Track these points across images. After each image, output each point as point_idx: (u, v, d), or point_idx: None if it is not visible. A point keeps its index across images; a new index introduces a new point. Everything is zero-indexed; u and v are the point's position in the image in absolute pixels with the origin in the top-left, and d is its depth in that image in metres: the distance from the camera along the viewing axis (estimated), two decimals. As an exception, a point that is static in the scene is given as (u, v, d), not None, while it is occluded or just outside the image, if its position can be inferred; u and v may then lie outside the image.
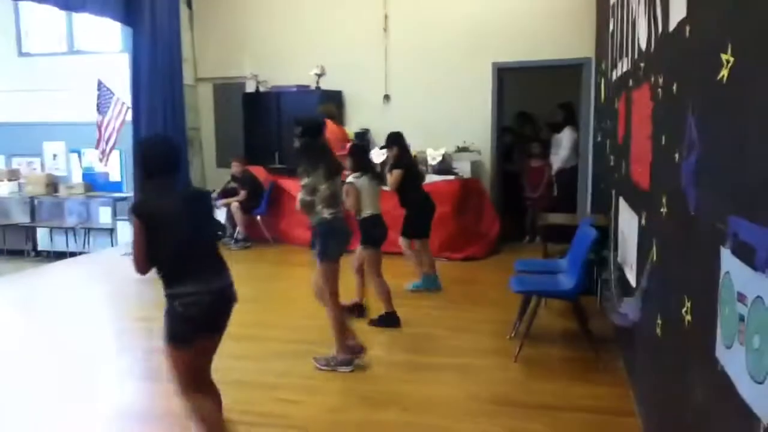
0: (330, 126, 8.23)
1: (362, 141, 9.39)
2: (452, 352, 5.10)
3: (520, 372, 4.72)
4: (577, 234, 5.30)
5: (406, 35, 9.39)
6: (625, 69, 4.84)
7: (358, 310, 5.87)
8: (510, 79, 9.49)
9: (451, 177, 8.52)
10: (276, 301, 6.73)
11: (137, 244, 3.10)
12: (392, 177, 6.63)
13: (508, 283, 5.10)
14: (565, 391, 4.34)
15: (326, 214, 4.58)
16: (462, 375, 4.67)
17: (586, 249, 4.76)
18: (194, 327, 3.14)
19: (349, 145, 6.29)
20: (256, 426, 3.95)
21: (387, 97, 9.57)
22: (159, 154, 3.26)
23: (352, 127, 9.55)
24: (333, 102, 9.14)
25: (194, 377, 3.23)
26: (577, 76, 8.95)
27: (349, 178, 5.46)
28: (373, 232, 5.50)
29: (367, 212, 5.49)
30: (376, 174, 5.70)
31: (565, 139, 9.02)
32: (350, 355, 4.72)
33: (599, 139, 7.52)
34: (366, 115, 9.63)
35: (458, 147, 9.01)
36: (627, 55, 4.70)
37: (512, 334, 5.31)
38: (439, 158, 8.61)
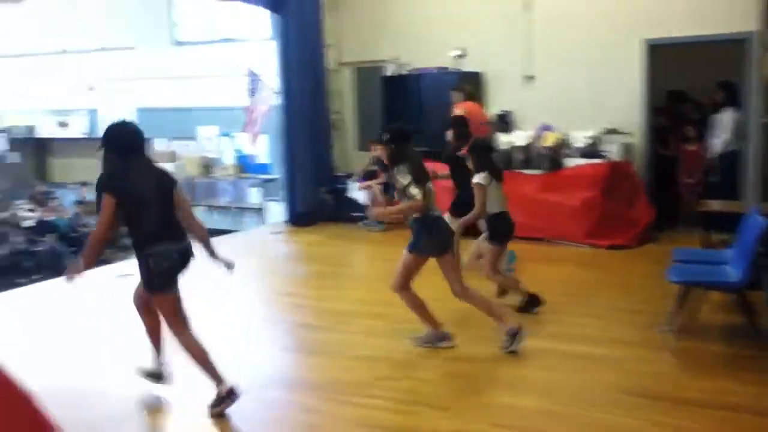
0: (468, 105, 8.15)
1: (503, 123, 9.20)
2: (596, 341, 4.87)
3: (670, 365, 4.46)
4: (745, 223, 4.88)
5: (551, 12, 9.02)
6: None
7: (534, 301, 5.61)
8: (662, 57, 8.87)
9: (599, 160, 8.13)
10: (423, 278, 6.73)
11: (104, 223, 3.67)
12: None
13: (661, 274, 4.79)
14: (721, 389, 4.03)
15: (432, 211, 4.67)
16: (606, 365, 4.46)
17: (755, 240, 4.36)
18: (170, 277, 3.82)
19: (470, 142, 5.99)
20: (395, 402, 3.98)
21: (530, 78, 9.28)
22: (127, 135, 3.87)
23: (492, 109, 9.36)
24: (469, 82, 8.97)
25: (179, 314, 3.87)
26: (739, 52, 8.20)
27: (475, 179, 5.39)
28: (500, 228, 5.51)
29: (493, 210, 5.44)
30: (496, 171, 5.56)
31: (726, 120, 8.30)
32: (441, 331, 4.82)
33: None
34: (507, 96, 9.38)
35: (607, 129, 8.56)
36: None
37: (665, 327, 4.98)
38: (587, 141, 8.23)
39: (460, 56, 9.31)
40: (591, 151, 8.24)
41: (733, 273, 4.56)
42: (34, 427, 2.11)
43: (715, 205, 6.34)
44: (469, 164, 5.50)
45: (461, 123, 6.70)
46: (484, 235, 5.74)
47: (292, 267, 7.55)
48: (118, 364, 4.67)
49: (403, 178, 4.56)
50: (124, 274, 6.83)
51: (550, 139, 8.28)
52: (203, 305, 6.20)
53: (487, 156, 5.59)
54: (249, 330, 5.51)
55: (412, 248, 4.68)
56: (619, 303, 5.82)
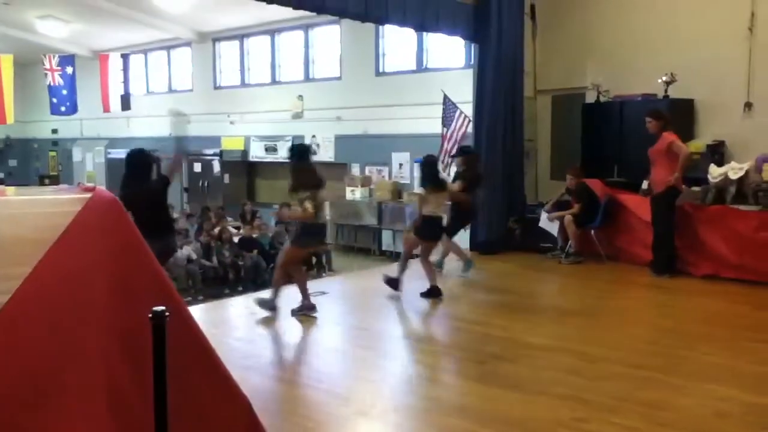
0: (673, 136, 7.64)
1: (715, 154, 8.48)
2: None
3: None
4: None
5: (777, 34, 8.21)
6: None
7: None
8: None
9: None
10: (609, 320, 6.34)
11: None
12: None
13: None
14: None
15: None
16: None
17: None
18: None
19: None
20: None
21: (749, 105, 8.47)
22: (141, 161, 5.71)
23: (704, 139, 8.65)
24: (674, 110, 8.39)
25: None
26: None
27: (416, 190, 7.20)
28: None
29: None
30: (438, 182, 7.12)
31: None
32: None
33: None
34: (721, 125, 8.64)
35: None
36: None
37: None
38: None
39: (668, 82, 8.72)
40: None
41: None
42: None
43: None
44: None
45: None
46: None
47: (476, 294, 7.43)
48: (316, 374, 4.82)
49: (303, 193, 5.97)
50: (319, 292, 7.16)
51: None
52: (388, 325, 6.31)
53: (430, 170, 7.14)
54: (435, 355, 5.47)
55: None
56: None
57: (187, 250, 10.97)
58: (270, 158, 15.90)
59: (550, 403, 4.29)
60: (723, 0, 8.66)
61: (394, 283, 7.07)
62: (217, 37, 17.38)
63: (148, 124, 18.30)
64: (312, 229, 6.21)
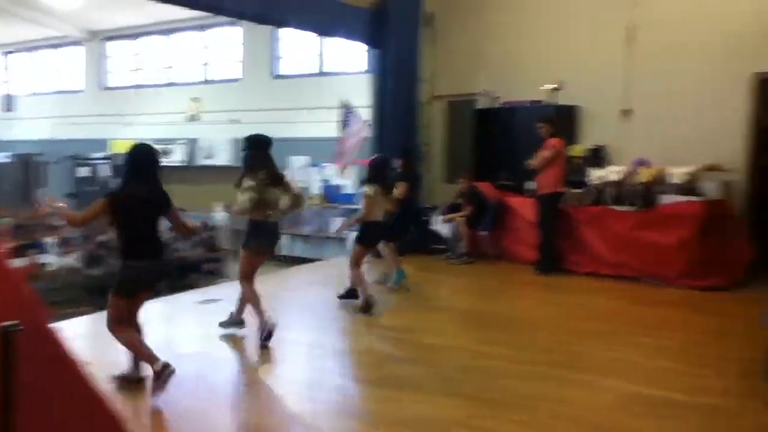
0: (558, 142, 8.06)
1: (596, 158, 8.96)
2: (695, 391, 4.56)
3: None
4: None
5: (652, 46, 8.78)
6: None
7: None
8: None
9: (696, 198, 7.75)
10: (501, 318, 6.55)
11: (88, 214, 4.42)
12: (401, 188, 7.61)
13: (759, 318, 4.47)
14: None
15: (255, 216, 5.46)
16: (708, 417, 4.15)
17: None
18: (137, 288, 4.43)
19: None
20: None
21: (626, 112, 9.01)
22: (138, 158, 4.51)
23: (586, 143, 9.13)
24: (559, 116, 8.85)
25: (123, 318, 4.41)
26: None
27: (365, 190, 6.62)
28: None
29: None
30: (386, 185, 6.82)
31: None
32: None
33: None
34: (603, 130, 9.15)
35: (706, 166, 8.16)
36: None
37: (761, 376, 4.62)
38: (685, 177, 7.86)
39: (555, 89, 9.15)
40: (688, 188, 7.87)
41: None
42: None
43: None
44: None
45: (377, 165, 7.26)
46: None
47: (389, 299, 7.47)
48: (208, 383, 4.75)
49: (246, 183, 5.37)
50: (209, 300, 7.03)
51: (644, 175, 7.97)
52: (283, 331, 6.28)
53: (381, 172, 6.78)
54: (330, 358, 5.48)
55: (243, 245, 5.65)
56: (713, 349, 5.48)
57: (70, 259, 10.47)
58: (164, 162, 15.42)
59: (447, 402, 4.38)
60: (604, 13, 9.18)
61: (367, 305, 6.51)
62: (108, 36, 16.73)
63: (31, 127, 17.37)
64: (258, 230, 5.50)
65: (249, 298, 5.56)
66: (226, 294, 6.78)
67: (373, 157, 7.34)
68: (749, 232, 7.96)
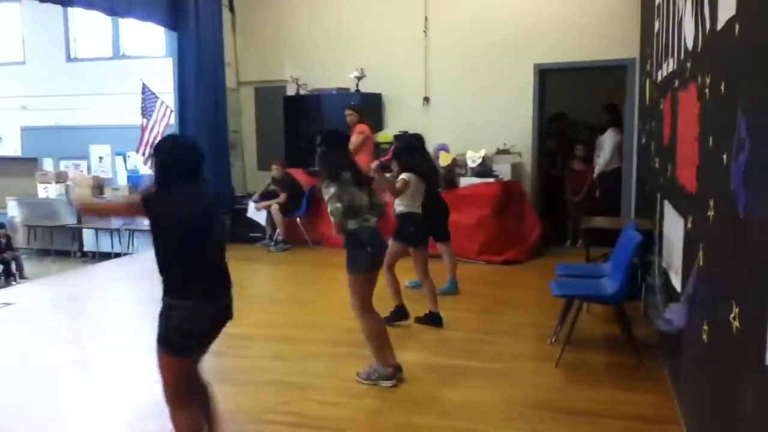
0: (365, 128, 8.39)
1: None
2: (491, 357, 5.04)
3: (561, 377, 4.64)
4: (621, 238, 5.20)
5: (446, 37, 9.35)
6: (670, 69, 4.73)
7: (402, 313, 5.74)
8: (552, 81, 9.38)
9: (491, 179, 8.44)
10: (315, 303, 6.75)
11: (123, 207, 3.44)
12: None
13: (549, 288, 5.03)
14: (607, 398, 4.26)
15: (351, 225, 4.42)
16: (501, 380, 4.61)
17: (631, 253, 4.65)
18: (191, 341, 3.11)
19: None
20: (295, 426, 3.97)
21: (427, 100, 9.55)
22: (180, 159, 3.14)
23: (391, 130, 9.54)
24: (365, 103, 9.18)
25: (185, 386, 3.18)
26: (621, 77, 8.79)
27: (403, 175, 5.67)
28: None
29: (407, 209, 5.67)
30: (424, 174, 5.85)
31: (607, 140, 8.87)
32: (390, 369, 4.53)
33: (644, 141, 7.37)
34: (406, 117, 9.61)
35: (498, 149, 8.92)
36: (673, 56, 4.59)
37: (553, 339, 5.24)
38: (479, 160, 8.53)
39: (359, 78, 9.44)
40: (484, 170, 8.55)
41: (610, 286, 4.84)
42: None
43: (597, 221, 6.70)
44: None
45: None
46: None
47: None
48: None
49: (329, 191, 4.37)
50: (3, 304, 6.51)
51: (445, 159, 8.51)
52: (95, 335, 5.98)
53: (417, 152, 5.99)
54: (137, 355, 5.32)
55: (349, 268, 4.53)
56: (511, 318, 6.04)
57: None
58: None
59: (257, 390, 4.48)
60: (402, 4, 9.58)
61: (401, 314, 5.71)
62: None
63: None
64: (361, 242, 4.45)
65: (371, 332, 4.52)
66: (23, 296, 6.34)
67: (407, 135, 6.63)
68: (537, 210, 8.86)
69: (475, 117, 9.20)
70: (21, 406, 4.37)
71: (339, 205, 4.32)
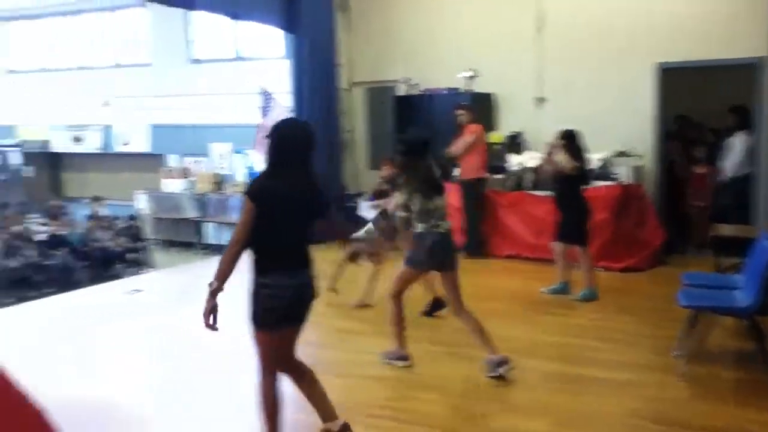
0: (477, 128, 8.30)
1: (513, 144, 9.22)
2: (609, 366, 4.86)
3: (685, 391, 4.42)
4: (756, 248, 4.87)
5: (562, 35, 9.09)
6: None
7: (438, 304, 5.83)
8: (674, 80, 8.91)
9: (610, 182, 8.14)
10: (422, 301, 6.72)
11: (244, 226, 3.24)
12: None
13: (673, 297, 4.79)
14: (735, 416, 4.01)
15: (419, 228, 4.61)
16: (620, 390, 4.44)
17: (765, 265, 4.35)
18: (277, 317, 3.29)
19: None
20: (401, 423, 3.99)
21: (540, 100, 9.33)
22: (294, 139, 3.34)
23: (503, 130, 9.40)
24: (477, 103, 9.08)
25: (275, 360, 3.40)
26: (750, 76, 8.23)
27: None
28: None
29: None
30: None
31: (737, 144, 8.33)
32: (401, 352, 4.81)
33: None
34: (518, 117, 9.43)
35: (617, 151, 8.58)
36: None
37: (677, 351, 4.97)
38: (599, 163, 8.23)
39: (471, 77, 9.36)
40: (602, 173, 8.25)
41: (743, 298, 4.55)
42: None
43: (726, 229, 6.33)
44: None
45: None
46: None
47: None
48: (124, 376, 4.70)
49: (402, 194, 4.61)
50: (134, 290, 6.91)
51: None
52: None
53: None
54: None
55: (407, 261, 4.73)
56: (631, 326, 5.80)
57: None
58: (78, 149, 14.85)
59: (363, 385, 4.60)
60: (515, 2, 9.40)
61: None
62: (10, 17, 15.85)
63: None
64: (422, 243, 4.58)
65: (394, 318, 4.81)
66: (151, 283, 6.72)
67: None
68: (659, 215, 8.44)
69: (592, 118, 8.84)
70: (159, 385, 4.62)
71: (403, 214, 4.62)
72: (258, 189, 3.26)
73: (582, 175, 6.58)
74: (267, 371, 3.38)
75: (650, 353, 5.13)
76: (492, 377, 4.53)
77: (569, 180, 6.51)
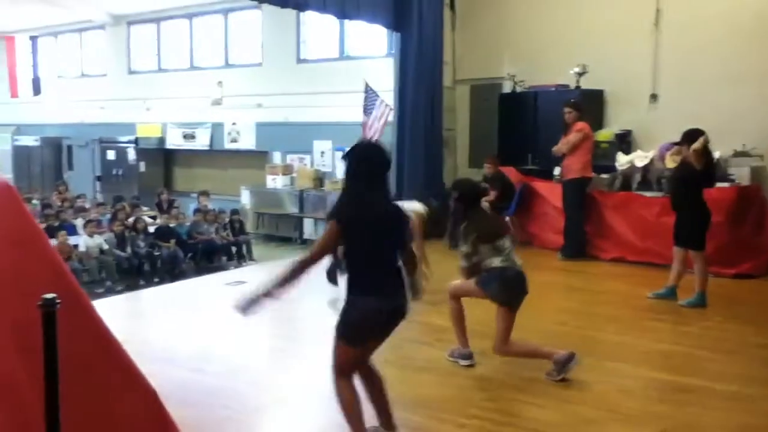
0: (586, 126, 7.98)
1: (622, 143, 8.82)
2: (718, 376, 4.53)
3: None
4: None
5: (680, 30, 8.62)
6: None
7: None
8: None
9: (726, 184, 7.63)
10: (523, 304, 6.52)
11: (323, 247, 3.29)
12: None
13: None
14: None
15: (496, 263, 4.50)
16: (731, 403, 4.13)
17: None
18: (365, 336, 3.34)
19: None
20: (501, 425, 3.85)
21: (654, 96, 8.88)
22: (371, 160, 3.36)
23: (613, 128, 9.02)
24: (586, 100, 8.73)
25: (352, 368, 3.41)
26: None
27: None
28: None
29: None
30: None
31: None
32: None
33: None
34: (630, 114, 9.03)
35: (736, 151, 8.03)
36: None
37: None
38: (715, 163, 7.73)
39: (580, 74, 9.03)
40: (718, 174, 7.73)
41: None
42: (158, 424, 2.20)
43: None
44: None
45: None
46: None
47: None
48: (235, 365, 4.80)
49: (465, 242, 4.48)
50: (237, 282, 7.08)
51: (672, 161, 7.85)
52: (309, 316, 6.31)
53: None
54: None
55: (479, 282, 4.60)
56: (742, 336, 5.41)
57: (99, 240, 10.62)
58: (188, 146, 15.53)
59: (461, 383, 4.47)
60: (631, -3, 9.03)
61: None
62: (132, 20, 16.78)
63: (57, 110, 17.55)
64: (499, 276, 4.53)
65: (455, 317, 4.84)
66: (252, 276, 6.86)
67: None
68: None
69: (708, 115, 8.31)
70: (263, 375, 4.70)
71: (466, 264, 4.53)
72: (345, 214, 3.28)
73: (707, 176, 6.17)
74: (342, 374, 3.41)
75: (761, 365, 4.76)
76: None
77: (693, 181, 6.13)
